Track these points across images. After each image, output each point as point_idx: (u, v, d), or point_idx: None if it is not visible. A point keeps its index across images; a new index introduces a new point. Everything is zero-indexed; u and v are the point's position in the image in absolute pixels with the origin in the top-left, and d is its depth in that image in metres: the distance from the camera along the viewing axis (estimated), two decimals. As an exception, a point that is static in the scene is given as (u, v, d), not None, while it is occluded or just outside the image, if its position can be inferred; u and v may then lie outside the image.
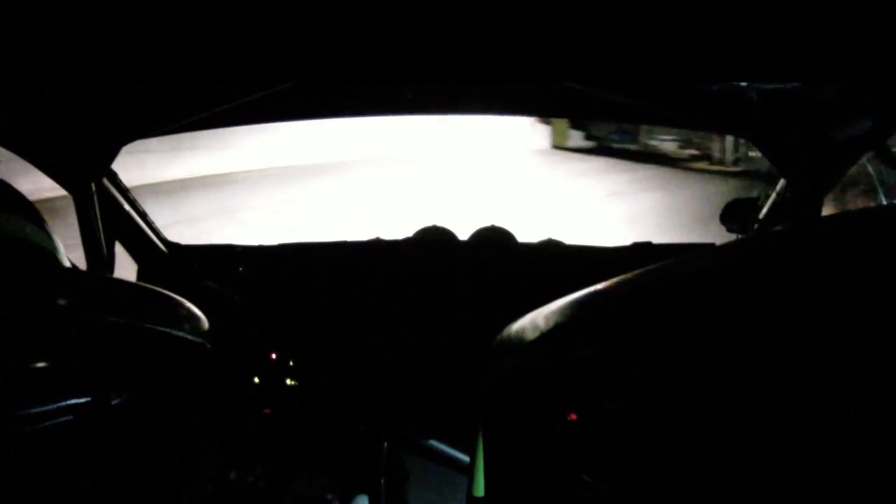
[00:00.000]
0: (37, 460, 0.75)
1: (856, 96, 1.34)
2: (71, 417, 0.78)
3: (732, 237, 1.79)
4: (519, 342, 0.81)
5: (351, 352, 1.90)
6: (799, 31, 0.83)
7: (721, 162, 13.71)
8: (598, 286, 0.73)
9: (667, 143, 14.32)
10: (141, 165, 9.19)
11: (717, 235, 1.86)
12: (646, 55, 0.89)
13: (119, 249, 1.85)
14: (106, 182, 1.73)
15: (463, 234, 2.06)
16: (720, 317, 0.61)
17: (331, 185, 11.09)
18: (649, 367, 0.66)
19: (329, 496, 1.84)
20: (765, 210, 1.77)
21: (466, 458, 1.52)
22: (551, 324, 0.76)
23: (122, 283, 1.01)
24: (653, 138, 14.54)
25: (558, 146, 16.42)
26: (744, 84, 1.44)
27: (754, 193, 1.83)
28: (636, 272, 0.71)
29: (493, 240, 2.03)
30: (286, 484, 1.87)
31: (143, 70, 0.93)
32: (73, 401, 0.79)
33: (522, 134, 15.85)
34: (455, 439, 1.91)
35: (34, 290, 0.73)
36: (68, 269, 0.99)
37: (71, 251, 1.03)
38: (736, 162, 13.30)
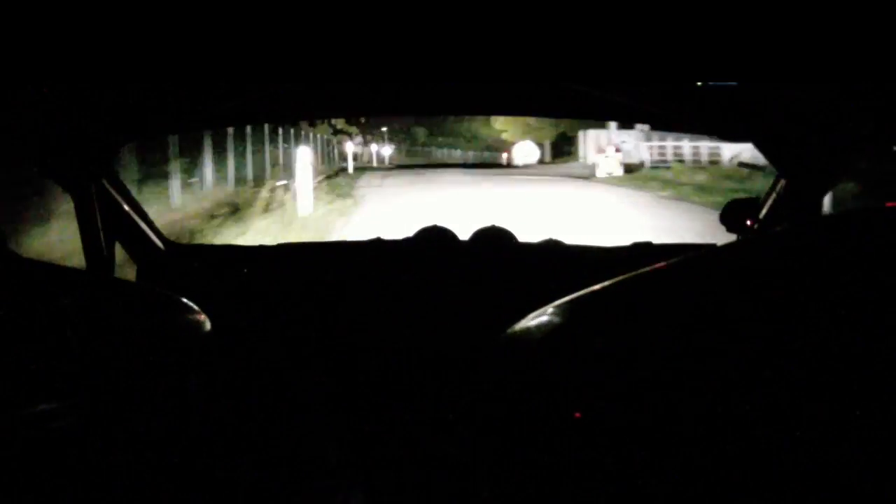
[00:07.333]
0: (37, 460, 0.75)
1: (856, 96, 1.34)
2: (72, 419, 0.78)
3: (732, 237, 1.79)
4: (522, 342, 0.81)
5: (351, 352, 1.90)
6: (799, 32, 0.83)
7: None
8: (599, 286, 0.73)
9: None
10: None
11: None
12: (646, 55, 0.89)
13: (119, 250, 1.85)
14: (106, 182, 1.73)
15: (463, 234, 2.06)
16: (721, 316, 0.61)
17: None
18: (651, 367, 0.66)
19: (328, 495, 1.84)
20: (765, 210, 1.77)
21: (468, 459, 1.52)
22: (554, 324, 0.76)
23: (123, 283, 1.01)
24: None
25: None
26: (744, 84, 1.44)
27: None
28: (636, 272, 0.71)
29: (494, 240, 2.03)
30: (286, 483, 1.87)
31: (144, 70, 0.93)
32: (73, 401, 0.79)
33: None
34: (457, 439, 1.91)
35: (35, 291, 0.73)
36: (68, 269, 0.99)
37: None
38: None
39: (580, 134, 32.29)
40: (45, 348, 0.76)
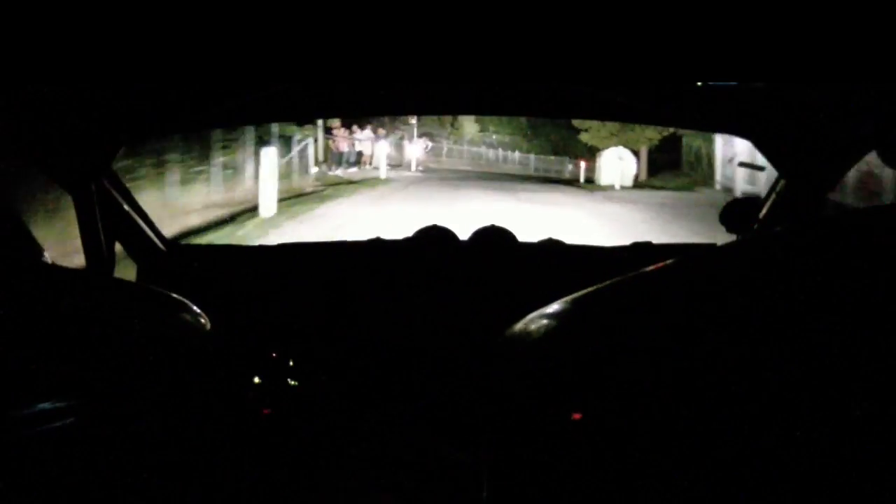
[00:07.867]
0: (37, 461, 0.75)
1: (856, 96, 1.34)
2: (72, 419, 0.78)
3: (732, 237, 1.80)
4: (522, 342, 0.81)
5: (351, 352, 1.90)
6: (799, 32, 0.83)
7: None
8: (599, 286, 0.73)
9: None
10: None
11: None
12: (646, 56, 0.89)
13: (119, 250, 1.85)
14: (106, 182, 1.73)
15: (463, 234, 2.06)
16: (720, 316, 0.61)
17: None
18: (651, 366, 0.66)
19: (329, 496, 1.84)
20: (765, 210, 1.77)
21: (468, 458, 1.52)
22: (554, 324, 0.76)
23: (123, 283, 1.01)
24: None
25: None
26: (744, 84, 1.44)
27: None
28: (636, 272, 0.71)
29: (494, 240, 2.03)
30: (286, 484, 1.87)
31: (144, 71, 0.93)
32: (73, 401, 0.79)
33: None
34: (457, 439, 1.91)
35: (35, 291, 0.73)
36: (68, 269, 0.99)
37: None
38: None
39: (718, 143, 17.99)
40: (45, 348, 0.76)
